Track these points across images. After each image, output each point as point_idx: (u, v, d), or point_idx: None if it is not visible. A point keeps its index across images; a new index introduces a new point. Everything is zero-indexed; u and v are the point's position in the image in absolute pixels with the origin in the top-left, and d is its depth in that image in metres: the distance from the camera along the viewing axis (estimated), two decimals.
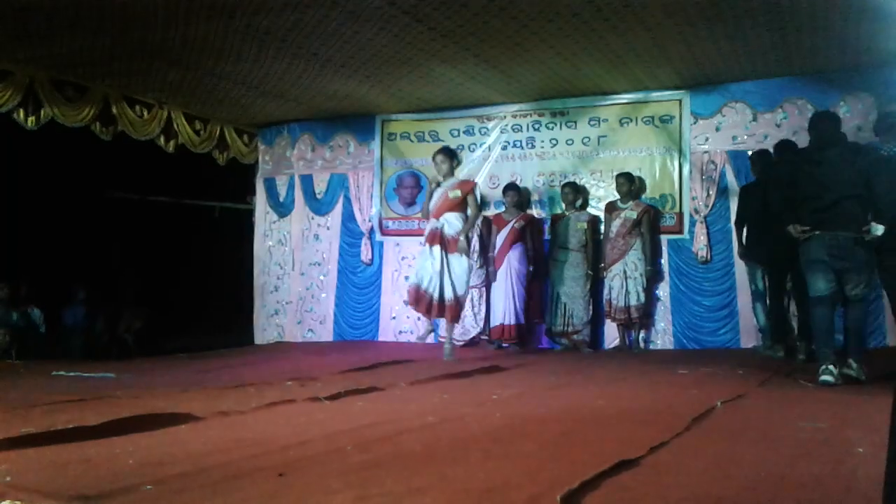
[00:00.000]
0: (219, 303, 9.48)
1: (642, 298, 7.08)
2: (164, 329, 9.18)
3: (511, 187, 7.56)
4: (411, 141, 8.39)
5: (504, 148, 8.04)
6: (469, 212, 5.98)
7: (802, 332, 5.73)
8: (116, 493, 1.98)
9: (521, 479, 2.13)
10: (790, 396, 4.02)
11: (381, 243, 8.50)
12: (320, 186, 8.81)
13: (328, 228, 8.77)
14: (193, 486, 2.08)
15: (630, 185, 7.18)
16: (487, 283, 7.53)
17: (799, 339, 5.84)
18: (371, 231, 8.50)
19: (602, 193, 7.61)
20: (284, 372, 5.28)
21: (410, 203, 8.36)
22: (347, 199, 8.63)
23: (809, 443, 2.73)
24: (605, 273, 7.19)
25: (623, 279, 7.07)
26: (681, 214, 7.33)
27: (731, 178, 7.16)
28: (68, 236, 8.76)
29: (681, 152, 7.34)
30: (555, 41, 6.07)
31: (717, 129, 7.23)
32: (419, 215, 7.39)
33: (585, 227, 7.29)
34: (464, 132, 8.18)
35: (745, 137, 7.10)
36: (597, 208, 7.58)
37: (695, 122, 7.31)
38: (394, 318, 8.36)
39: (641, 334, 7.26)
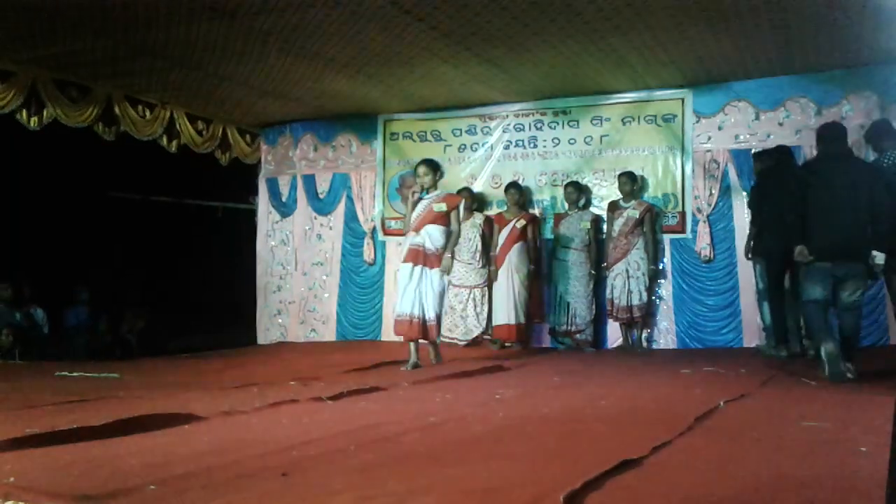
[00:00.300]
0: (221, 303, 9.47)
1: (644, 298, 7.08)
2: (166, 329, 9.17)
3: (512, 186, 7.55)
4: (414, 141, 8.39)
5: (506, 147, 8.03)
6: (452, 227, 5.76)
7: (808, 331, 5.73)
8: (120, 494, 1.99)
9: (524, 479, 2.13)
10: (793, 396, 4.02)
11: (384, 243, 8.50)
12: (323, 186, 8.81)
13: (331, 228, 8.77)
14: (197, 486, 2.09)
15: (632, 184, 7.17)
16: (489, 282, 7.52)
17: (805, 337, 5.83)
18: (374, 231, 8.50)
19: (605, 193, 7.61)
20: (287, 372, 5.30)
21: None
22: (350, 199, 8.63)
23: (812, 442, 2.72)
24: (607, 272, 7.20)
25: (625, 278, 7.07)
26: (683, 213, 7.33)
27: (733, 177, 7.15)
28: (71, 237, 8.76)
29: (683, 151, 7.33)
30: (557, 41, 6.06)
31: (720, 128, 7.22)
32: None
33: (588, 226, 7.29)
34: (466, 132, 8.17)
35: (748, 136, 7.09)
36: (599, 207, 7.57)
37: (697, 121, 7.30)
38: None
39: (644, 334, 7.27)
